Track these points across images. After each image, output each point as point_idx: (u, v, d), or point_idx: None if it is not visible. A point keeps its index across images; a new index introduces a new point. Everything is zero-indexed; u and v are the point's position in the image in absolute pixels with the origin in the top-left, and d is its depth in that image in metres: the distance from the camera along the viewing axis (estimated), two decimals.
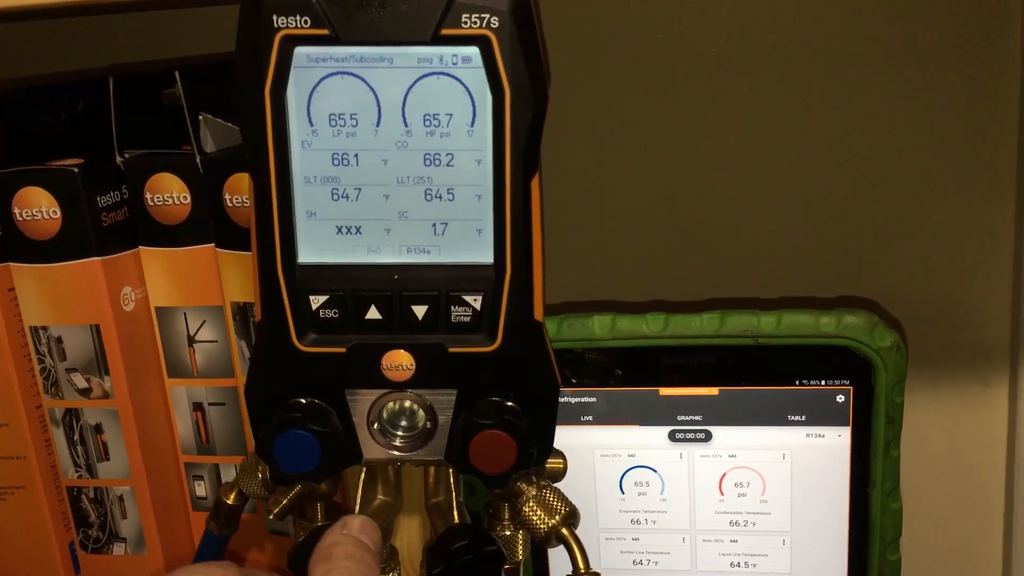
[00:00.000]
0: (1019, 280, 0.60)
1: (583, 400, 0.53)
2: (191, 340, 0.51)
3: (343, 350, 0.35)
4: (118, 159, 0.49)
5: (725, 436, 0.53)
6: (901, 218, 0.61)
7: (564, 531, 0.38)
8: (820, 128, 0.60)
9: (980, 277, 0.62)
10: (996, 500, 0.65)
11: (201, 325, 0.51)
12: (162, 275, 0.50)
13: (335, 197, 0.35)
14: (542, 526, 0.38)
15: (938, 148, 0.60)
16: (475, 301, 0.35)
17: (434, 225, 0.35)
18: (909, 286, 0.62)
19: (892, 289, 0.62)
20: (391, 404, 0.36)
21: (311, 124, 0.34)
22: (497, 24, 0.32)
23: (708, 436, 0.53)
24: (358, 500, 0.40)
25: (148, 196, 0.49)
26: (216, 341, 0.51)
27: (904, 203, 0.61)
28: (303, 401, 0.36)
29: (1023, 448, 0.62)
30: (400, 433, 0.37)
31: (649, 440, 0.54)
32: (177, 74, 0.47)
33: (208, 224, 0.49)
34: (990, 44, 0.58)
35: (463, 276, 0.35)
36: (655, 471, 0.54)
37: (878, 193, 0.61)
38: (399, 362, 0.36)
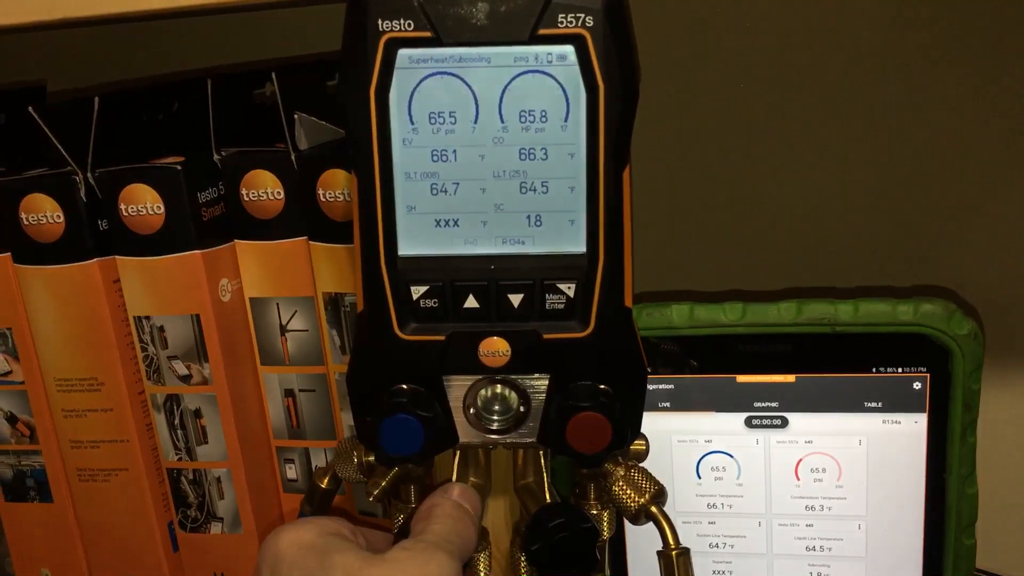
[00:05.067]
0: None
1: (661, 386, 0.55)
2: (283, 329, 0.53)
3: (442, 338, 0.37)
4: (215, 157, 0.51)
5: (801, 422, 0.54)
6: (978, 207, 0.61)
7: (653, 509, 0.40)
8: (894, 116, 0.60)
9: None
10: None
11: (293, 315, 0.53)
12: (256, 267, 0.52)
13: (434, 192, 0.36)
14: (632, 504, 0.40)
15: (1014, 134, 0.60)
16: (568, 289, 0.36)
17: (529, 217, 0.36)
18: (986, 274, 0.62)
19: (969, 277, 0.62)
20: (485, 390, 0.38)
21: (412, 122, 0.36)
22: (592, 23, 0.34)
23: (784, 422, 0.54)
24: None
25: (244, 192, 0.51)
26: (307, 330, 0.53)
27: (980, 191, 0.61)
28: (406, 387, 0.38)
29: None
30: (495, 417, 0.38)
31: (726, 426, 0.55)
32: (273, 75, 0.48)
33: (301, 218, 0.50)
34: None
35: (557, 265, 0.36)
36: (732, 456, 0.55)
37: (954, 181, 0.61)
38: (495, 349, 0.37)
